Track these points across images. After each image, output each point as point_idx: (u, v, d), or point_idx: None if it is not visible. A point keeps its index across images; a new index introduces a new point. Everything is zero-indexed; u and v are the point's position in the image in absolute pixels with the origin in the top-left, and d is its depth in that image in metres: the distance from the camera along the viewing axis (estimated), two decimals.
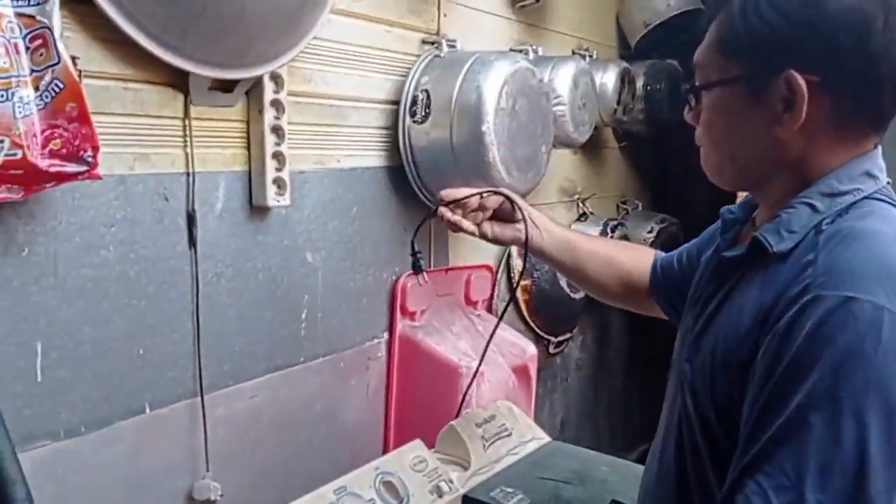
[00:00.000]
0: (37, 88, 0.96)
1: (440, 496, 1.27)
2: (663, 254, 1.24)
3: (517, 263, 2.00)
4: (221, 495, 1.31)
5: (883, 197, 0.83)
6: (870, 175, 0.83)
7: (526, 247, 1.24)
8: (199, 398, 1.29)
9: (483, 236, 1.26)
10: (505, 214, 1.26)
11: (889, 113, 0.84)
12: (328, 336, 1.56)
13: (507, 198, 1.24)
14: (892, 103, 0.82)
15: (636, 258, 1.26)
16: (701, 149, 0.94)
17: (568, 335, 2.14)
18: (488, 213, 1.26)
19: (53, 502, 1.10)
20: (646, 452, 1.64)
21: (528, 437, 1.53)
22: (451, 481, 1.31)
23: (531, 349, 1.90)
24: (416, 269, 1.34)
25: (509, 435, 1.49)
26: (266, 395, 1.43)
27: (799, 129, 0.82)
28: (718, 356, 0.83)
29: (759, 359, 0.77)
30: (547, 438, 1.57)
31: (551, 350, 2.10)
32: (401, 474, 1.25)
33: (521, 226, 1.24)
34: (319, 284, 1.53)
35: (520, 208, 1.23)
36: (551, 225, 1.27)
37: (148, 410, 1.23)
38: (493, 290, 2.00)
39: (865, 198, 0.81)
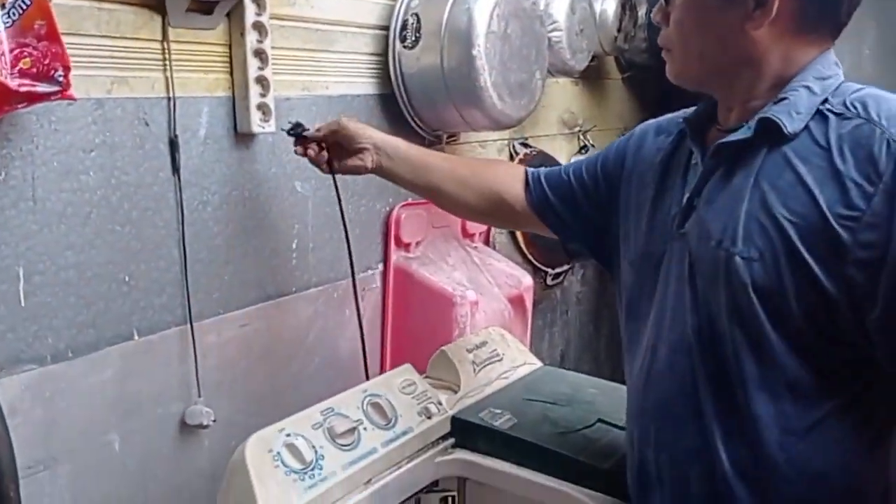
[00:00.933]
0: (3, 6, 0.94)
1: (429, 417, 1.28)
2: (532, 169, 1.26)
3: None
4: (214, 420, 1.33)
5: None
6: (837, 65, 0.91)
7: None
8: (188, 326, 1.30)
9: (331, 172, 1.32)
10: (348, 144, 1.28)
11: (844, 21, 0.91)
12: (321, 266, 1.56)
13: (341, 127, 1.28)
14: (849, 12, 0.90)
15: (501, 173, 1.28)
16: (665, 52, 0.98)
17: (566, 266, 2.13)
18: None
19: (43, 424, 1.12)
20: None
21: (519, 362, 1.53)
22: (440, 403, 1.31)
23: (527, 280, 1.89)
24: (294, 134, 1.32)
25: (500, 360, 1.50)
26: (258, 323, 1.43)
27: (768, 27, 0.88)
28: (793, 239, 0.84)
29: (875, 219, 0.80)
30: (539, 364, 1.57)
31: (549, 282, 2.09)
32: (389, 396, 1.25)
33: (364, 155, 1.27)
34: (310, 214, 1.52)
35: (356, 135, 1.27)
36: (402, 146, 1.29)
37: (136, 337, 1.23)
38: None
39: (843, 82, 0.90)
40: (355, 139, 1.27)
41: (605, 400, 1.40)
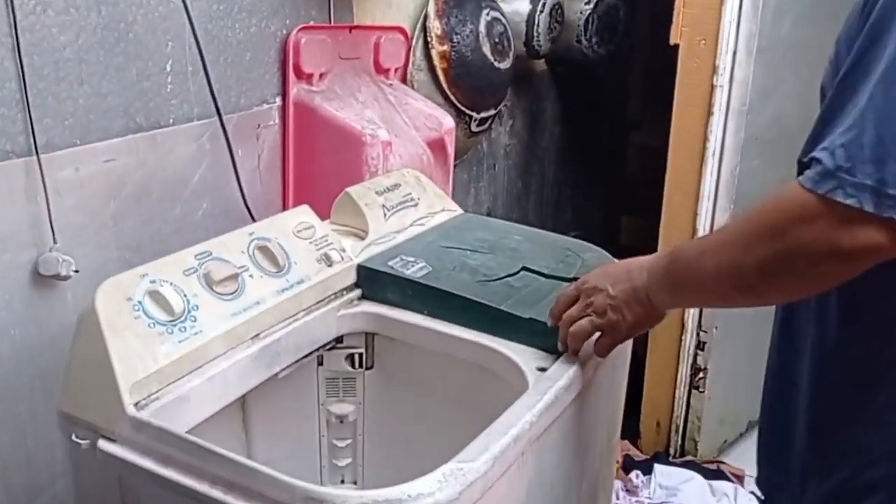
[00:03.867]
0: None
1: (329, 265, 1.11)
2: None
3: (435, 25, 1.75)
4: (76, 270, 1.13)
5: None
6: None
7: None
8: (34, 157, 1.07)
9: None
10: None
11: None
12: (204, 95, 1.32)
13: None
14: None
15: None
16: None
17: (492, 111, 1.94)
18: None
19: None
20: (576, 237, 1.47)
21: (437, 208, 1.36)
22: (343, 250, 1.14)
23: (448, 121, 1.70)
24: None
25: (415, 205, 1.32)
26: (127, 159, 1.21)
27: None
28: None
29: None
30: (459, 210, 1.41)
31: (474, 128, 1.90)
32: (281, 241, 1.07)
33: None
34: (187, 30, 1.27)
35: None
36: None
37: None
38: (407, 56, 1.76)
39: None
40: None
41: (531, 247, 1.26)
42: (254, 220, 1.40)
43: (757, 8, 1.71)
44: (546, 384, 0.94)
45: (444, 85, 1.79)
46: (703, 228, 1.85)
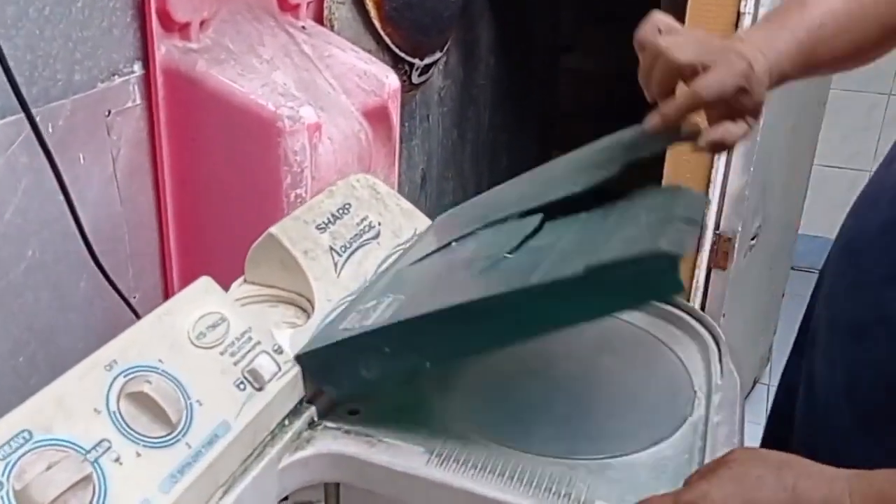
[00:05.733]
0: None
1: (259, 388, 0.63)
2: None
3: None
4: None
5: None
6: None
7: None
8: None
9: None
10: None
11: None
12: (18, 73, 0.79)
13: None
14: None
15: None
16: None
17: (438, 55, 1.45)
18: None
19: None
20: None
21: (407, 233, 0.89)
22: (278, 350, 0.66)
23: (392, 80, 1.20)
24: None
25: (377, 236, 0.85)
26: None
27: None
28: None
29: None
30: (429, 223, 0.94)
31: (415, 79, 1.41)
32: (169, 366, 0.59)
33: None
34: None
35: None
36: (778, 51, 0.74)
37: None
38: None
39: None
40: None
41: (545, 178, 0.80)
42: (103, 270, 0.90)
43: None
44: None
45: (377, 23, 1.28)
46: (714, 198, 1.46)
